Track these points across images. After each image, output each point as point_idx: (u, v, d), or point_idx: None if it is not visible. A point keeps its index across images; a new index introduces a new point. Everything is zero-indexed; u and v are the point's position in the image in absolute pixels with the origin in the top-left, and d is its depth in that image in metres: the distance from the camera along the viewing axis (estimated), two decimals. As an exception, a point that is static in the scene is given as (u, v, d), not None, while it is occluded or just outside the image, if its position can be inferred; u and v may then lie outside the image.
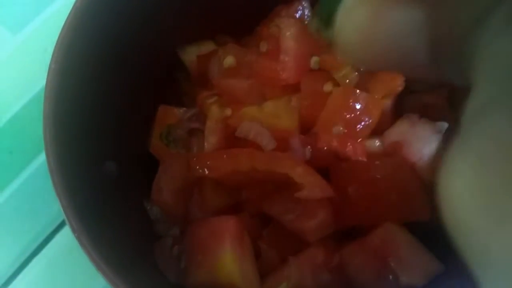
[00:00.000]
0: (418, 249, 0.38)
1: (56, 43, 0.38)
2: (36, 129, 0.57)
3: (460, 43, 0.15)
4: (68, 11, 0.39)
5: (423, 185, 0.39)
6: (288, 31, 0.41)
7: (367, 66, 0.19)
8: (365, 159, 0.39)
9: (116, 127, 0.44)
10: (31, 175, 0.55)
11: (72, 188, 0.35)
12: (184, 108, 0.45)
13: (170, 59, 0.50)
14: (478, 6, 0.15)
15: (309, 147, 0.41)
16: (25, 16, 0.62)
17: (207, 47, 0.49)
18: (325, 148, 0.40)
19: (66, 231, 0.53)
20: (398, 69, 0.18)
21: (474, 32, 0.15)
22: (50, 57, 0.60)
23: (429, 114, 0.41)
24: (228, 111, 0.42)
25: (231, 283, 0.36)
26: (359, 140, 0.40)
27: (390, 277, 0.38)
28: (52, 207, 0.54)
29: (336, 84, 0.41)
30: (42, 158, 0.56)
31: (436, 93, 0.42)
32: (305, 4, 0.46)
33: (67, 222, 0.33)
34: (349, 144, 0.39)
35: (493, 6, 0.14)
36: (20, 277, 0.51)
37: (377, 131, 0.41)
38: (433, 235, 0.41)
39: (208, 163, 0.40)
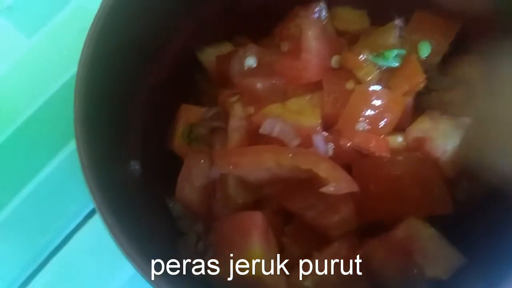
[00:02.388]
0: (441, 243, 0.39)
1: (84, 46, 0.38)
2: (51, 131, 0.58)
3: None
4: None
5: (445, 179, 0.40)
6: (309, 31, 0.42)
7: None
8: (388, 155, 0.40)
9: (139, 126, 0.44)
10: (48, 176, 0.56)
11: (102, 185, 0.35)
12: (206, 107, 0.46)
13: (189, 60, 0.50)
14: None
15: (331, 143, 0.41)
16: (39, 20, 0.62)
17: (225, 48, 0.50)
18: (348, 144, 0.40)
19: (84, 232, 0.53)
20: None
21: None
22: (64, 60, 0.61)
23: (448, 111, 0.42)
24: (251, 109, 0.43)
25: (259, 275, 0.37)
26: (381, 136, 0.41)
27: (415, 270, 0.38)
28: (69, 207, 0.54)
29: (358, 82, 0.42)
30: (57, 160, 0.56)
31: (455, 90, 0.43)
32: (322, 5, 0.47)
33: (100, 216, 0.33)
34: (373, 140, 0.40)
35: None
36: (40, 275, 0.51)
37: (398, 127, 0.42)
38: (453, 228, 0.42)
39: (232, 159, 0.41)
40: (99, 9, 0.38)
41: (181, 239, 0.43)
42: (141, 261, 0.33)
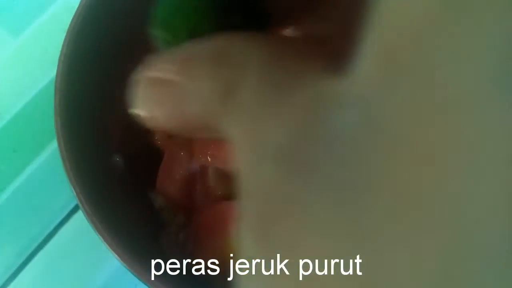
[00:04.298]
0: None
1: (63, 42, 0.39)
2: (38, 128, 0.59)
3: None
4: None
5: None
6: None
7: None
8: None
9: (122, 120, 0.45)
10: (34, 172, 0.57)
11: (83, 178, 0.36)
12: (186, 101, 0.47)
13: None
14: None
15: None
16: (25, 19, 0.63)
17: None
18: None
19: (69, 226, 0.54)
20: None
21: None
22: (50, 58, 0.62)
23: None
24: (230, 102, 0.44)
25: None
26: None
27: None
28: (55, 203, 0.55)
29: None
30: (44, 156, 0.57)
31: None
32: None
33: (81, 208, 0.34)
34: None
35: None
36: (25, 270, 0.52)
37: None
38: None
39: (210, 152, 0.42)
40: (79, 5, 0.39)
41: (163, 230, 0.44)
42: (124, 253, 0.34)
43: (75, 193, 0.34)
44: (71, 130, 0.37)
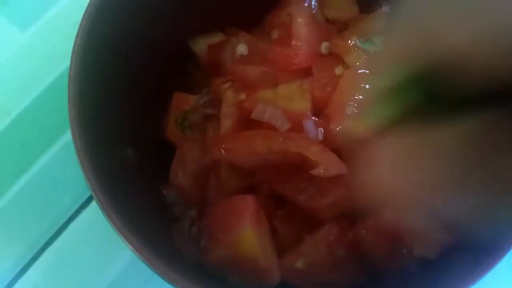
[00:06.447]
0: (429, 222, 0.39)
1: (77, 35, 0.39)
2: (46, 122, 0.59)
3: None
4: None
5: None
6: (299, 18, 0.43)
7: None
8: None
9: (134, 114, 0.45)
10: (43, 167, 0.56)
11: (97, 169, 0.36)
12: (199, 95, 0.47)
13: (182, 50, 0.51)
14: None
15: (321, 128, 0.42)
16: (33, 14, 0.63)
17: (217, 38, 0.51)
18: (338, 129, 0.41)
19: (79, 221, 0.54)
20: None
21: None
22: (58, 53, 0.62)
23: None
24: (243, 96, 0.43)
25: (252, 256, 0.38)
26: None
27: (404, 250, 0.39)
28: (64, 198, 0.55)
29: (347, 67, 0.42)
30: (53, 150, 0.57)
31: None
32: (313, -7, 0.48)
33: (95, 198, 0.34)
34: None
35: None
36: (35, 265, 0.51)
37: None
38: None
39: (224, 145, 0.41)
40: (88, 4, 0.39)
41: (175, 225, 0.43)
42: (138, 244, 0.34)
43: (88, 183, 0.34)
44: (84, 121, 0.37)
